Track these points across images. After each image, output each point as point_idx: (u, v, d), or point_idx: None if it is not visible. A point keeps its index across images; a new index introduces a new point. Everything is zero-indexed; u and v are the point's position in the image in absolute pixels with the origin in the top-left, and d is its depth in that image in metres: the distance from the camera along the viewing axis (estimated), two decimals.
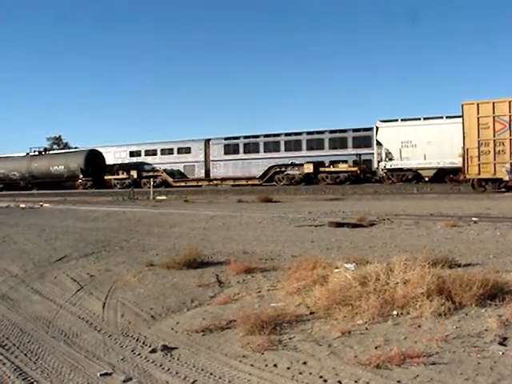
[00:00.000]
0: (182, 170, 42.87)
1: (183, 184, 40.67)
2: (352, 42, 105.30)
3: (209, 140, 42.30)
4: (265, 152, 39.29)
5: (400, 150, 30.38)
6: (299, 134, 39.12)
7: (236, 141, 40.93)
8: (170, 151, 43.55)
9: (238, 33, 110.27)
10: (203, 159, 41.95)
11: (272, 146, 39.32)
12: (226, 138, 41.63)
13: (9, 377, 4.29)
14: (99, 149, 46.36)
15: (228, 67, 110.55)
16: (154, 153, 44.23)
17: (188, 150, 42.76)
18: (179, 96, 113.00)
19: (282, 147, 38.98)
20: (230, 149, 40.81)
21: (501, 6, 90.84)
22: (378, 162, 31.24)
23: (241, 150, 40.41)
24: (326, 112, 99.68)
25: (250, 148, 40.13)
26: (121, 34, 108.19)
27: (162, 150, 43.93)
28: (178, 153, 43.14)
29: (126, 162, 44.87)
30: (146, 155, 44.40)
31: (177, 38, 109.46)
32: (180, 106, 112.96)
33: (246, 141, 40.57)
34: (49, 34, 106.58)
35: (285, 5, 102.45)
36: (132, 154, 45.24)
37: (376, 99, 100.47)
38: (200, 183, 40.28)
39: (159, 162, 43.49)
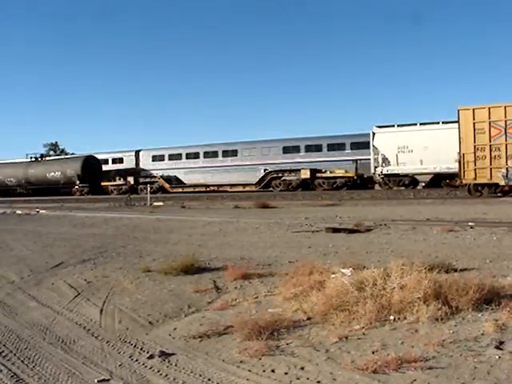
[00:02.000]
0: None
1: (180, 190, 40.63)
2: (349, 46, 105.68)
3: None
4: None
5: (396, 156, 30.47)
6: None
7: None
8: (319, 148, 38.32)
9: (236, 35, 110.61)
10: None
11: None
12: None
13: (5, 383, 4.28)
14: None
15: (225, 71, 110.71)
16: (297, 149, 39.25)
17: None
18: (178, 101, 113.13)
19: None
20: None
21: (497, 10, 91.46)
22: (375, 167, 31.31)
23: None
24: (323, 116, 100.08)
25: None
26: (118, 38, 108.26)
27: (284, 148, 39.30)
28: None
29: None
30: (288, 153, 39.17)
31: (175, 44, 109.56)
32: (177, 112, 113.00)
33: None
34: (46, 37, 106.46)
35: (284, 7, 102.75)
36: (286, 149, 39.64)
37: (372, 104, 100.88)
38: (197, 189, 40.19)
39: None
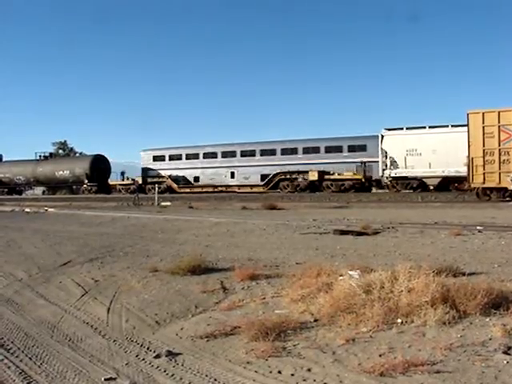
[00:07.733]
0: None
1: (188, 190, 40.73)
2: (355, 48, 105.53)
3: None
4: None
5: (405, 159, 30.39)
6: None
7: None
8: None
9: (238, 37, 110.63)
10: None
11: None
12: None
13: (14, 380, 4.31)
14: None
15: (229, 73, 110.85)
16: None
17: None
18: (185, 101, 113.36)
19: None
20: None
21: (505, 11, 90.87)
22: (383, 170, 31.24)
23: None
24: (331, 119, 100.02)
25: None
26: (125, 39, 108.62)
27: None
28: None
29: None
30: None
31: (179, 45, 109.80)
32: (187, 112, 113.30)
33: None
34: (53, 38, 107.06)
35: (286, 7, 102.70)
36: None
37: (381, 107, 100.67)
38: (205, 189, 40.30)
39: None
